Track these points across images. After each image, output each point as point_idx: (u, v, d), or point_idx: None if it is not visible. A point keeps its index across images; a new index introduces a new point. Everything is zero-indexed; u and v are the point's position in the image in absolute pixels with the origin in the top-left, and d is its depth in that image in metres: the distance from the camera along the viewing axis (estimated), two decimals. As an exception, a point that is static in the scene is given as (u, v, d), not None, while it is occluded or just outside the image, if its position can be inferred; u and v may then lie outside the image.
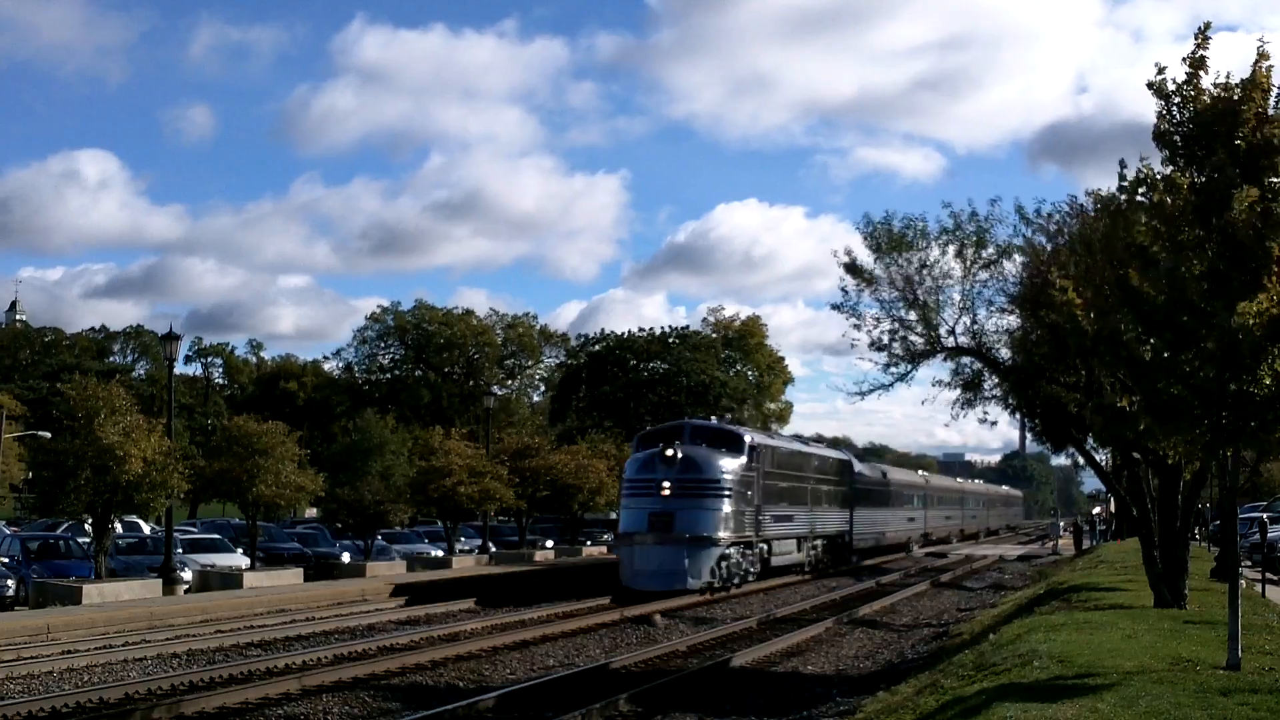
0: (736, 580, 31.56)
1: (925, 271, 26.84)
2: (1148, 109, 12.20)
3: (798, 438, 45.39)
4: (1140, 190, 12.20)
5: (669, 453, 30.14)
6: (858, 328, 27.44)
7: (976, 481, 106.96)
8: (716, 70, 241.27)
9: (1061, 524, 78.03)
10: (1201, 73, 12.00)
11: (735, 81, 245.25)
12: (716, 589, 30.56)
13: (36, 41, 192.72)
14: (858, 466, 48.71)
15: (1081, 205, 22.12)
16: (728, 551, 30.61)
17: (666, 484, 29.97)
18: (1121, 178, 12.63)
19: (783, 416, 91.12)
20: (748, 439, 32.89)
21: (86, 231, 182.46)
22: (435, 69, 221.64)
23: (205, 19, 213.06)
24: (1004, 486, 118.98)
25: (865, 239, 27.38)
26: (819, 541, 40.41)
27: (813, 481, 39.52)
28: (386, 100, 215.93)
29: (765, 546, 34.12)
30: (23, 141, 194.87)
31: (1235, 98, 11.64)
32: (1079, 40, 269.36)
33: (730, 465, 31.29)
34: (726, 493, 30.50)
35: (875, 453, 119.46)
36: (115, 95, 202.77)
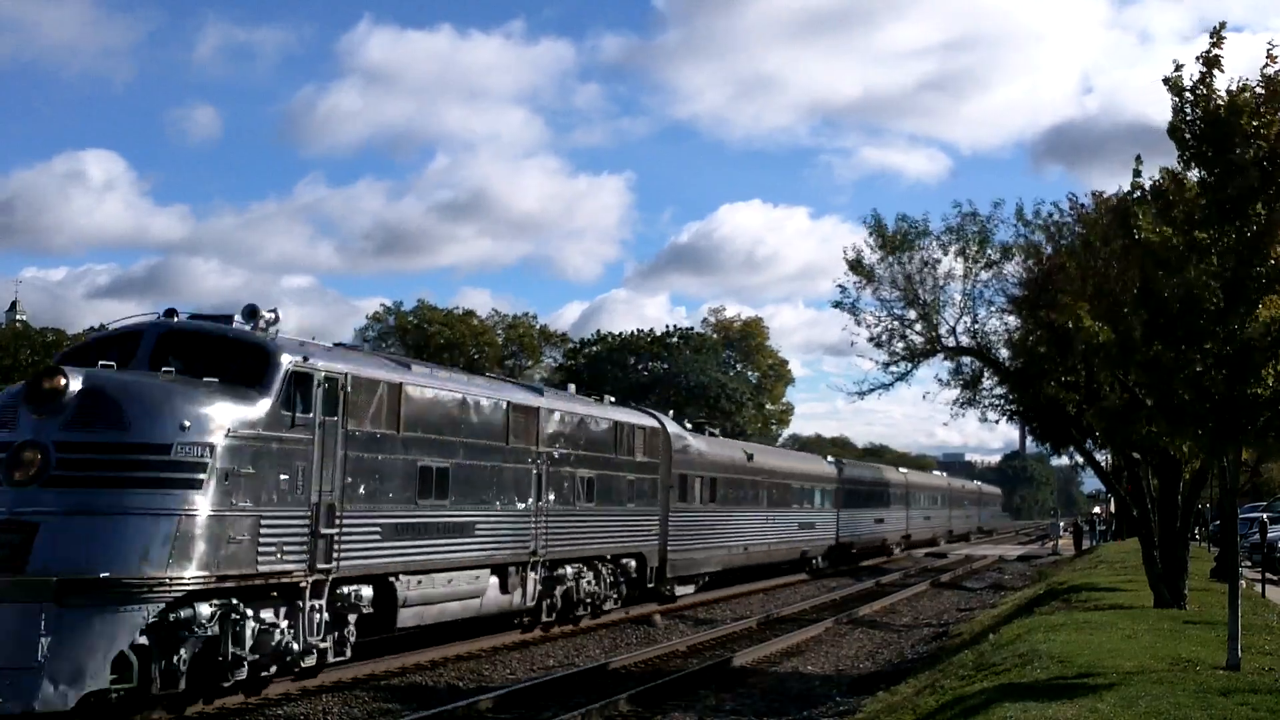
0: (257, 670, 14.65)
1: (926, 270, 26.84)
2: (1153, 109, 12.31)
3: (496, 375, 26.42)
4: (1156, 196, 12.20)
5: (55, 384, 13.17)
6: (857, 322, 27.41)
7: (938, 474, 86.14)
8: (722, 71, 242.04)
9: (1061, 524, 78.25)
10: (1216, 71, 12.01)
11: (740, 82, 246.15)
12: (158, 696, 13.49)
13: (42, 42, 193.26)
14: (686, 440, 29.85)
15: (1082, 204, 22.16)
16: (196, 611, 13.51)
17: (29, 454, 12.96)
18: (1136, 173, 12.65)
19: (783, 418, 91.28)
20: (285, 361, 15.02)
21: (90, 232, 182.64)
22: (441, 70, 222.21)
23: (212, 19, 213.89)
24: (975, 482, 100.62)
25: (870, 234, 27.31)
26: (577, 568, 22.82)
27: (548, 461, 21.48)
28: (392, 101, 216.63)
29: (363, 592, 16.35)
30: (28, 142, 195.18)
31: (1258, 100, 11.62)
32: (1085, 41, 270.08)
33: (225, 414, 13.99)
34: (199, 473, 13.46)
35: (875, 453, 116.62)
36: (121, 96, 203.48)
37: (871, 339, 27.07)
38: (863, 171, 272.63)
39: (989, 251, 26.22)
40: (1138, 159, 12.64)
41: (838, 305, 27.82)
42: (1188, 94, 12.02)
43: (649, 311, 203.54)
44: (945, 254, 26.54)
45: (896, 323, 27.01)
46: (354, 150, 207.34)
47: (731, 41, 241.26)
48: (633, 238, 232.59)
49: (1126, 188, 13.13)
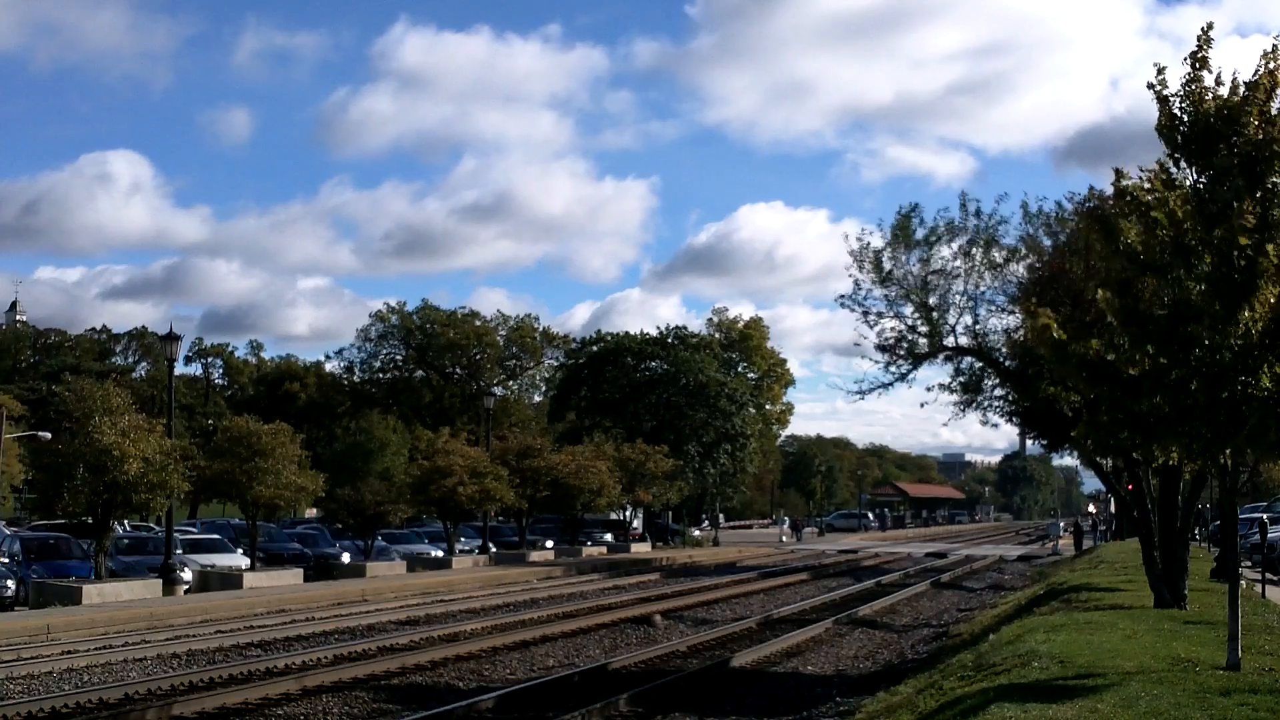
0: None
1: (937, 276, 26.78)
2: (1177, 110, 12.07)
3: None
4: (1149, 197, 12.15)
5: None
6: (871, 325, 27.36)
7: None
8: (755, 76, 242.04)
9: (1061, 524, 78.37)
10: (1205, 72, 11.94)
11: (772, 87, 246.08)
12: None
13: (84, 46, 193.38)
14: None
15: (1084, 200, 22.13)
16: None
17: None
18: (1118, 176, 12.61)
19: (782, 418, 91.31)
20: None
21: (111, 233, 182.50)
22: (476, 74, 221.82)
23: (252, 23, 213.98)
24: None
25: (891, 232, 27.23)
26: None
27: None
28: (423, 104, 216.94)
29: None
30: (63, 146, 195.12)
31: (1239, 98, 11.58)
32: (1116, 47, 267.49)
33: None
34: None
35: (875, 453, 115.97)
36: (158, 100, 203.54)
37: (878, 344, 27.06)
38: (888, 173, 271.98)
39: (994, 253, 26.20)
40: (1117, 172, 12.60)
41: (847, 297, 27.70)
42: (1175, 98, 11.94)
43: (661, 312, 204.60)
44: (954, 256, 26.52)
45: (902, 324, 27.01)
46: (383, 153, 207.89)
47: (764, 47, 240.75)
48: (655, 241, 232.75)
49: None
